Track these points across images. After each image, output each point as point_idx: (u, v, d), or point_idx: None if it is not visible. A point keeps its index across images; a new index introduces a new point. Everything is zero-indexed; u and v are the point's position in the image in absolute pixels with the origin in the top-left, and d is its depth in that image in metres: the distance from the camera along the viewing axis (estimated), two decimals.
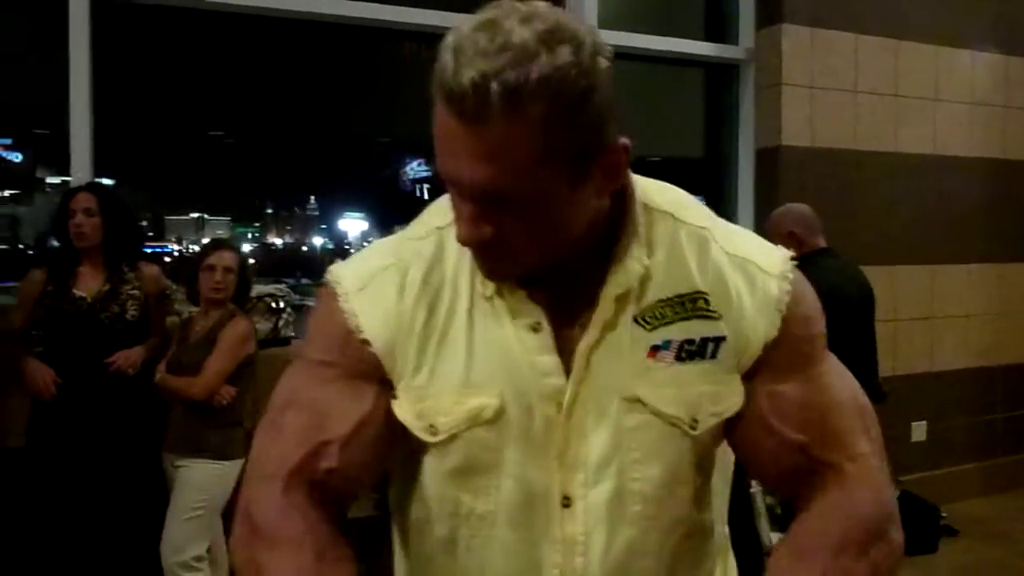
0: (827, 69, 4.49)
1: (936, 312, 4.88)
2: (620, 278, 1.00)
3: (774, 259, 1.07)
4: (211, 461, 3.14)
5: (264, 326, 3.62)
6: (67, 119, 3.47)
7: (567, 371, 1.00)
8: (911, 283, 4.77)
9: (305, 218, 16.96)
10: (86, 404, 3.09)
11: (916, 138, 4.78)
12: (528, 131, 0.83)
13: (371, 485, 1.09)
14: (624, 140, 0.92)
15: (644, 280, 1.02)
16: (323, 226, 15.87)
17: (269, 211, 16.37)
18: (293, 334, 3.85)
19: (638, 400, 1.01)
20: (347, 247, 15.01)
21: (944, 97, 4.87)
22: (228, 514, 3.22)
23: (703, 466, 1.08)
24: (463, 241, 0.93)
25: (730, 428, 1.07)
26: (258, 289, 3.69)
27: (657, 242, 1.03)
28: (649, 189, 1.06)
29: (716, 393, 1.03)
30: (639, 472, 1.02)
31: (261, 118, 4.26)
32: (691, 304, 1.02)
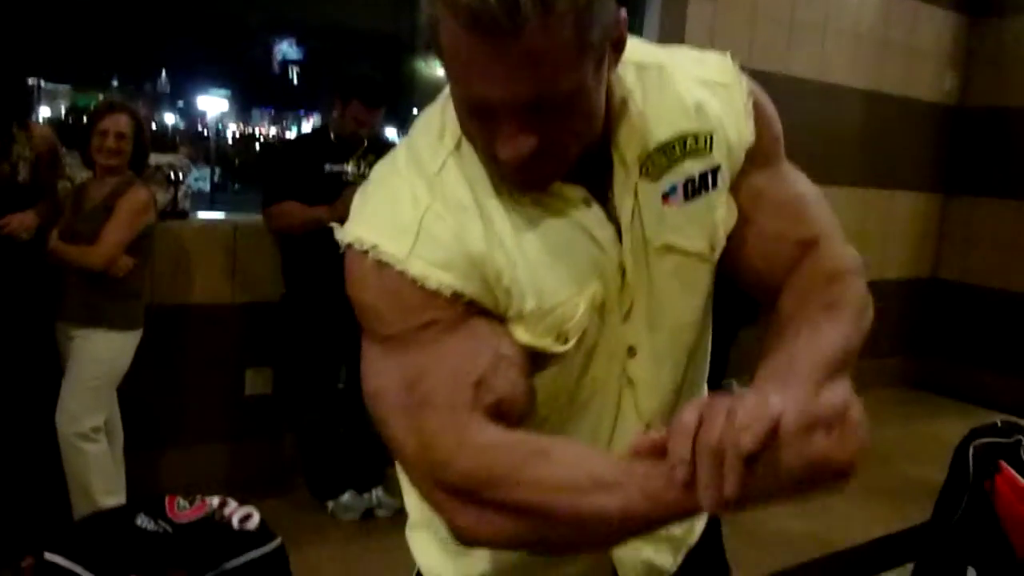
0: None
1: None
2: (626, 137, 1.01)
3: (724, 68, 1.10)
4: (110, 331, 3.04)
5: (162, 197, 3.46)
6: None
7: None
8: None
9: (155, 95, 15.93)
10: None
11: (805, 63, 5.01)
12: (561, 28, 0.81)
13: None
14: (622, 9, 0.90)
15: (641, 132, 1.02)
16: (179, 103, 14.93)
17: (115, 83, 15.22)
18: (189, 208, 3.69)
19: (670, 247, 1.05)
20: (203, 129, 14.29)
21: (832, 25, 5.10)
22: (122, 387, 3.14)
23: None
24: (509, 161, 0.89)
25: None
26: (155, 159, 3.50)
27: (633, 91, 1.03)
28: None
29: (722, 214, 1.09)
30: (683, 305, 1.09)
31: None
32: (680, 146, 1.04)
